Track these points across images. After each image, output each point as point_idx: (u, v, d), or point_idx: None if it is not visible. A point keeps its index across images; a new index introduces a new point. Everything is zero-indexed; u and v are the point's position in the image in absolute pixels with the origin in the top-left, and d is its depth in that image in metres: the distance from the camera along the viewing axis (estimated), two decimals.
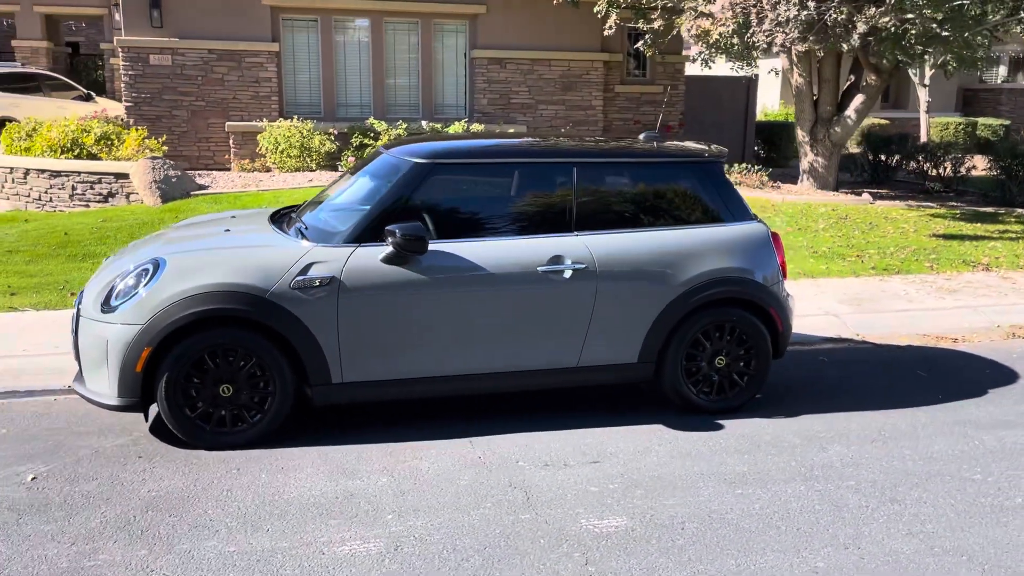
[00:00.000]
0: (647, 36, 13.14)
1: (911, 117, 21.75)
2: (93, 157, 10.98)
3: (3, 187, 11.25)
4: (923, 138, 18.52)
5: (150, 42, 13.36)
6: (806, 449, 4.66)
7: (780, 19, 9.66)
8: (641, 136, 5.60)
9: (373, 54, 14.43)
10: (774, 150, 18.08)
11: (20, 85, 15.91)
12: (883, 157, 14.96)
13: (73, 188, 10.68)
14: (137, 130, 11.72)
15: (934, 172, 14.44)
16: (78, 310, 4.58)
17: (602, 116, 15.32)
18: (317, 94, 14.39)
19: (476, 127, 13.67)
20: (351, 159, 13.28)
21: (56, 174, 10.77)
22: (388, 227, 4.48)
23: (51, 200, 10.85)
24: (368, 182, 4.99)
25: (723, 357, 5.11)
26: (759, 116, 20.94)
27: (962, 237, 10.48)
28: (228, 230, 5.05)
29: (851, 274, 8.68)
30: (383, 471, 4.27)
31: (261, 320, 4.36)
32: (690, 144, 5.54)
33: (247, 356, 4.41)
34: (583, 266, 4.78)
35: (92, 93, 17.78)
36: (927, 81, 19.06)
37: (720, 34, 10.16)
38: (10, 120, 14.99)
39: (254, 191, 11.27)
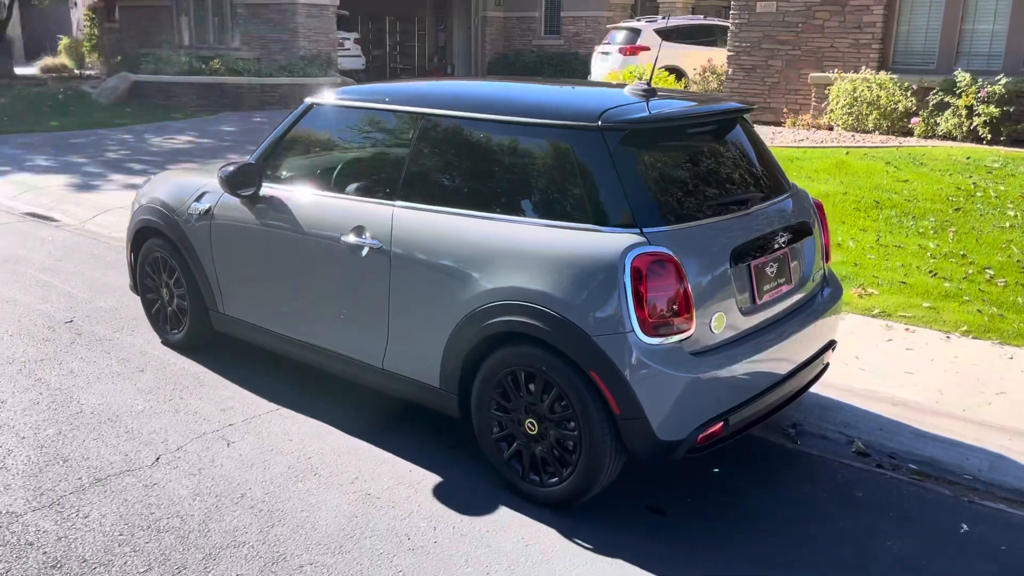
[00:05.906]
0: None
1: None
2: None
3: None
4: None
5: None
6: None
7: None
8: (626, 89, 3.74)
9: None
10: None
11: (697, 38, 17.05)
12: None
13: None
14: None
15: None
16: None
17: None
18: (933, 40, 11.83)
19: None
20: (913, 121, 10.84)
21: None
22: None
23: None
24: None
25: (535, 422, 3.34)
26: None
27: None
28: None
29: None
30: (155, 401, 4.34)
31: (168, 236, 4.79)
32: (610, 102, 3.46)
33: (173, 269, 4.92)
34: (379, 244, 3.73)
35: None
36: None
37: None
38: (676, 70, 16.38)
39: None
